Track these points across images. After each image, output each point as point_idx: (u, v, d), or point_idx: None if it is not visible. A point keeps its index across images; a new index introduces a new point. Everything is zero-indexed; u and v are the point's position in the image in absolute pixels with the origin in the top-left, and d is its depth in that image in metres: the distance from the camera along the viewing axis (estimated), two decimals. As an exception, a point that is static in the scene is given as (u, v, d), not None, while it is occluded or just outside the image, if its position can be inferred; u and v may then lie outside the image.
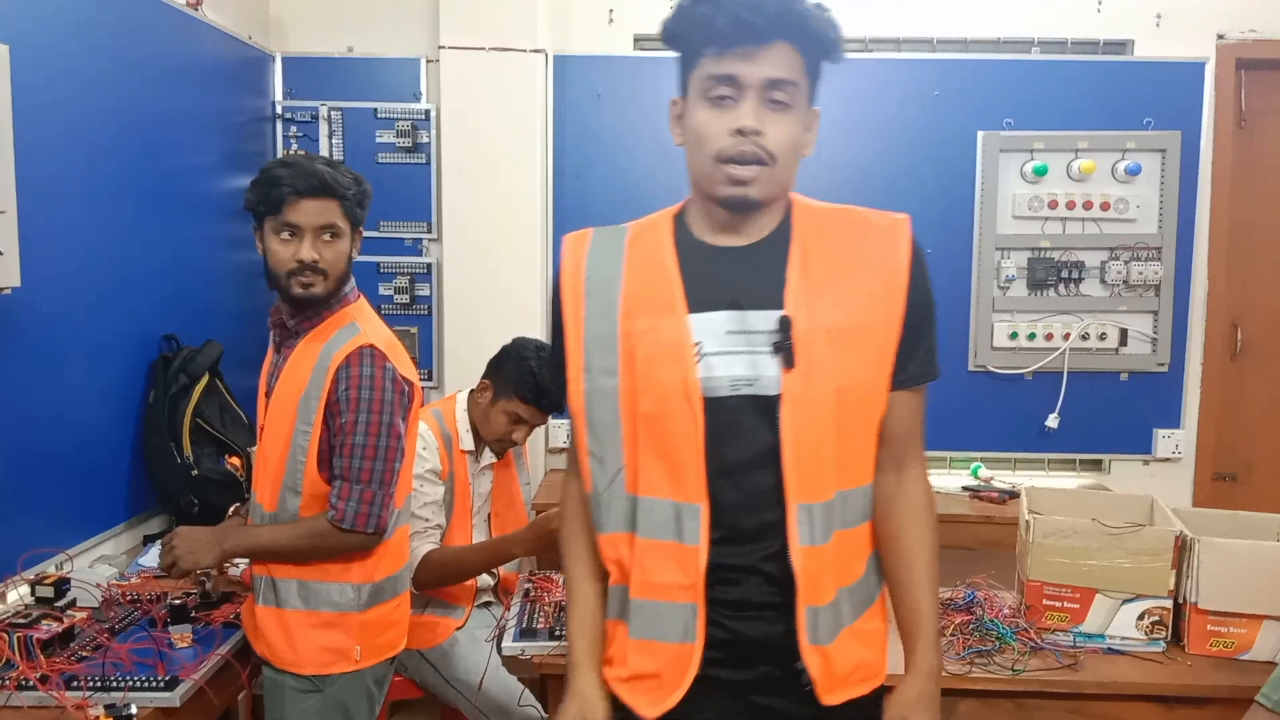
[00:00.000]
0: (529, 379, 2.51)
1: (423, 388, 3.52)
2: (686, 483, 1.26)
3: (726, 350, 1.26)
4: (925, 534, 1.38)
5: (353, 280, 1.98)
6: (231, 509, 2.41)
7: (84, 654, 1.86)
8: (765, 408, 1.26)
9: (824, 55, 1.28)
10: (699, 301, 1.28)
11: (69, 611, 2.02)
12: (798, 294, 1.27)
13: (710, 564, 1.27)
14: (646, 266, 1.33)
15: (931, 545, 1.39)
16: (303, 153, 1.93)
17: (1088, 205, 3.45)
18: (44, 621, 1.92)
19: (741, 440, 1.26)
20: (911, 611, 1.37)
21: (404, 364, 1.93)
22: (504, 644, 2.16)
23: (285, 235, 1.85)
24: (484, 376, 2.62)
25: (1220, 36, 3.51)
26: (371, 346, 1.85)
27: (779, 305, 1.27)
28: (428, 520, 2.43)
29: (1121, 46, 3.56)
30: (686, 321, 1.27)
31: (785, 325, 1.25)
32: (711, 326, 1.27)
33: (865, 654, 1.34)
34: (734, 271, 1.30)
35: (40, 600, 2.03)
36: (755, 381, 1.26)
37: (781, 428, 1.25)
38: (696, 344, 1.26)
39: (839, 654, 1.30)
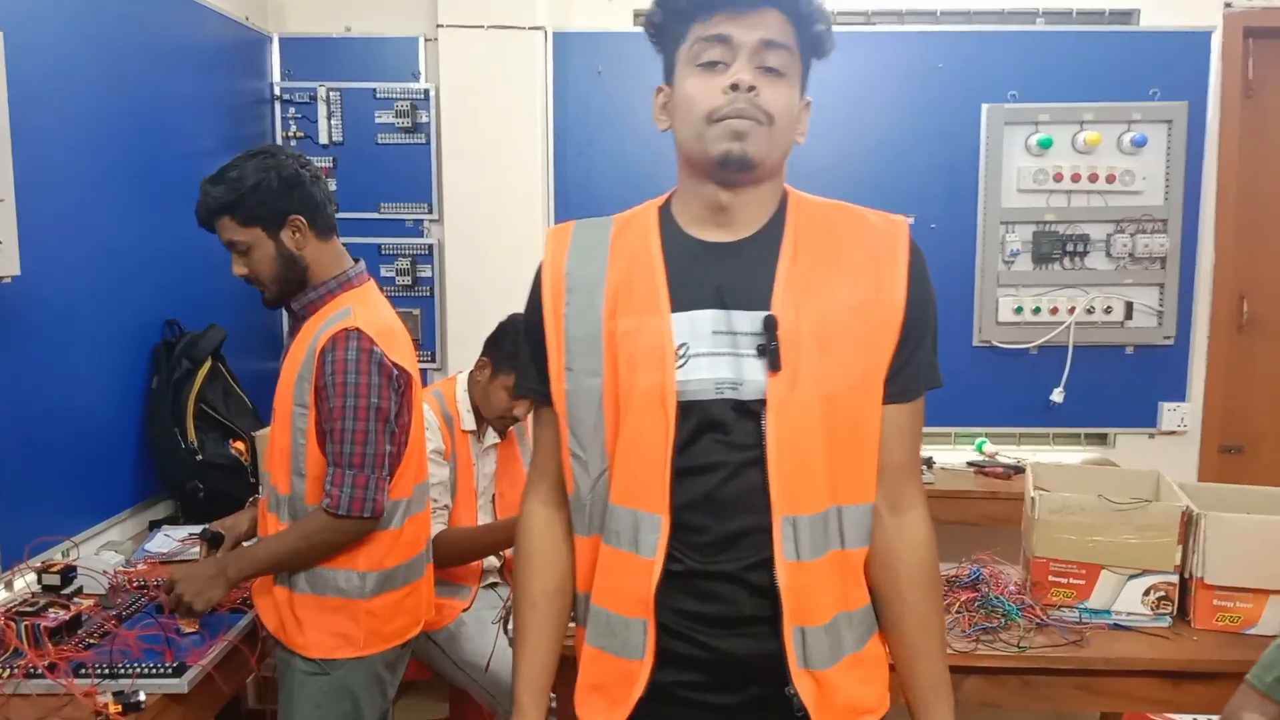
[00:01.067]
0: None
1: (426, 368, 3.54)
2: (649, 492, 1.20)
3: (711, 351, 1.20)
4: (935, 597, 1.29)
5: (357, 265, 1.98)
6: (250, 500, 2.41)
7: (92, 641, 1.86)
8: (749, 413, 1.19)
9: (815, 46, 1.23)
10: (684, 299, 1.21)
11: (76, 599, 2.02)
12: (786, 294, 1.20)
13: (683, 573, 1.20)
14: (631, 262, 1.26)
15: (940, 605, 1.31)
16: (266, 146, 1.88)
17: (1093, 178, 3.42)
18: (51, 609, 1.92)
19: (724, 446, 1.19)
20: (923, 681, 1.28)
21: (397, 348, 1.91)
22: (510, 625, 2.16)
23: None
24: (482, 354, 2.61)
25: (1227, 5, 3.46)
26: (356, 329, 1.82)
27: (765, 305, 1.20)
28: (435, 501, 2.43)
29: (1127, 16, 3.52)
30: (669, 322, 1.21)
31: (770, 326, 1.18)
32: (697, 326, 1.20)
33: (867, 686, 1.26)
34: (721, 268, 1.23)
35: (47, 588, 2.03)
36: (739, 385, 1.19)
37: (766, 434, 1.18)
38: (681, 345, 1.20)
39: (837, 682, 1.22)
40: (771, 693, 1.22)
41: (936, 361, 1.29)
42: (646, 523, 1.20)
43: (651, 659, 1.22)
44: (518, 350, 2.47)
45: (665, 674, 1.23)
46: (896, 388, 1.24)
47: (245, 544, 2.30)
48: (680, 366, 1.20)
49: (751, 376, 1.19)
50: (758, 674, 1.22)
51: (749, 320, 1.20)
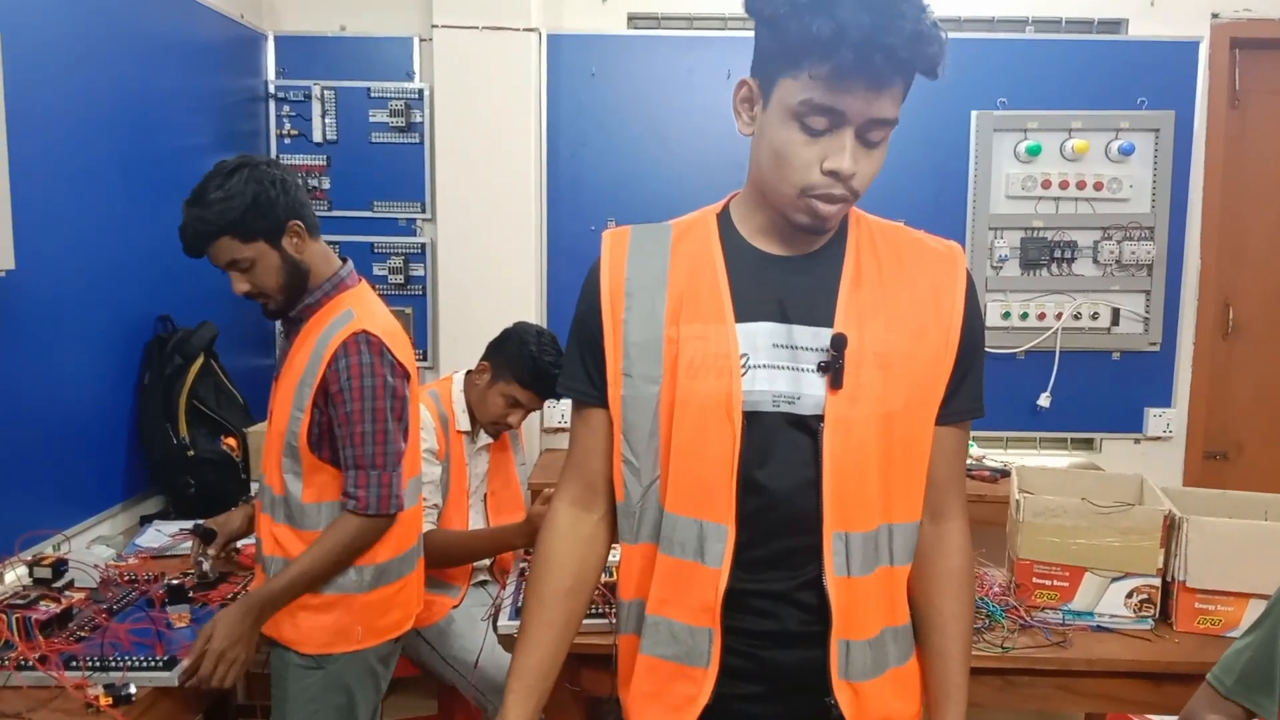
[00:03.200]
0: (529, 363, 2.52)
1: (418, 368, 3.55)
2: (715, 501, 1.19)
3: (772, 364, 1.19)
4: (964, 603, 1.31)
5: (346, 265, 1.97)
6: (244, 498, 2.42)
7: (82, 634, 1.87)
8: (805, 428, 1.19)
9: (925, 72, 1.15)
10: (746, 310, 1.21)
11: (67, 592, 2.03)
12: (849, 313, 1.20)
13: (737, 590, 1.20)
14: (693, 269, 1.24)
15: (969, 614, 1.32)
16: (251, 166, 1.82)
17: (1081, 185, 3.45)
18: (42, 602, 1.93)
19: (779, 460, 1.19)
20: (942, 683, 1.30)
21: (400, 349, 1.93)
22: (500, 623, 2.17)
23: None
24: (483, 358, 2.62)
25: (1215, 16, 3.50)
26: (366, 332, 1.84)
27: (829, 322, 1.19)
28: (426, 500, 2.44)
29: (1116, 26, 3.55)
30: (734, 331, 1.20)
31: (840, 344, 1.17)
32: (758, 337, 1.20)
33: (902, 700, 1.28)
34: (784, 281, 1.22)
35: (38, 581, 2.04)
36: (796, 399, 1.19)
37: (824, 450, 1.18)
38: (744, 355, 1.19)
39: (875, 693, 1.23)
40: (812, 701, 1.23)
41: (983, 392, 1.31)
42: (713, 532, 1.20)
43: (716, 668, 1.22)
44: (523, 360, 2.51)
45: (723, 685, 1.23)
46: (949, 410, 1.26)
47: (239, 542, 2.32)
48: (742, 377, 1.19)
49: (809, 391, 1.19)
50: (803, 684, 1.24)
51: (810, 335, 1.20)
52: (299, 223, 1.87)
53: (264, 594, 1.84)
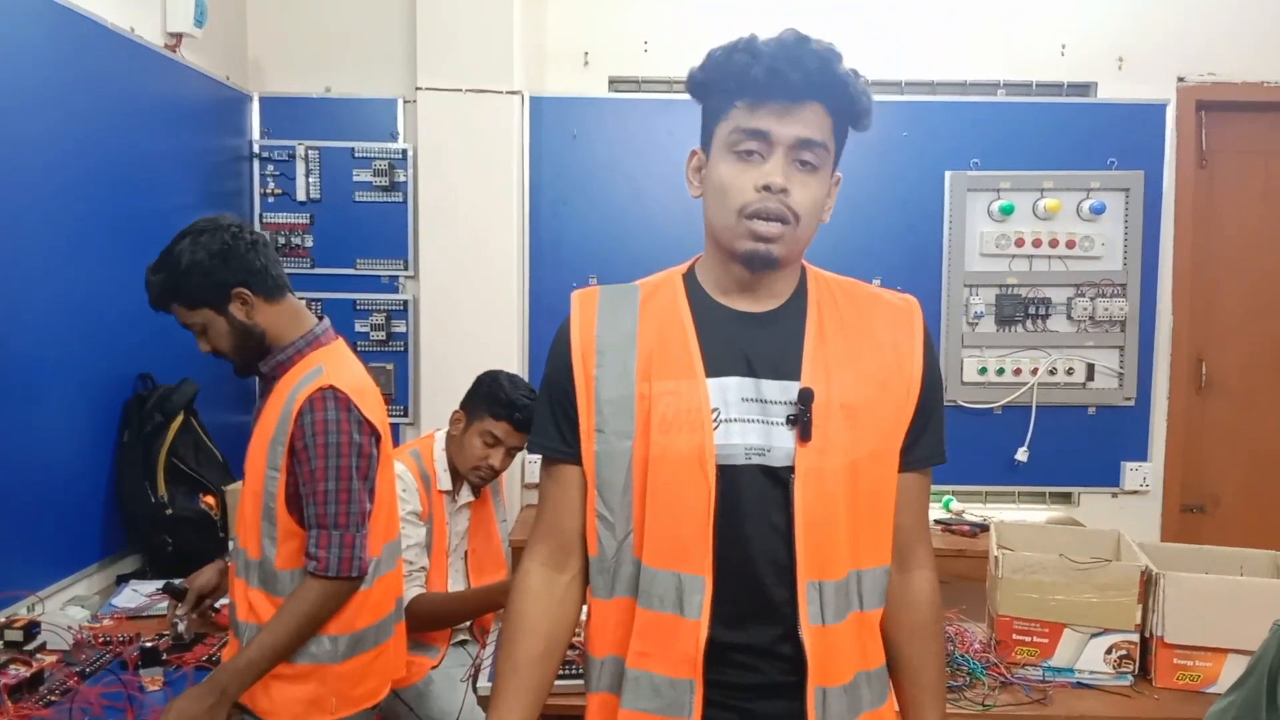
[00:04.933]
0: (501, 396, 2.54)
1: (399, 423, 3.55)
2: (692, 554, 1.21)
3: (743, 418, 1.23)
4: (933, 651, 1.35)
5: (321, 322, 1.96)
6: (223, 556, 2.39)
7: (52, 699, 1.84)
8: (776, 480, 1.22)
9: (853, 122, 1.26)
10: (715, 365, 1.25)
11: (38, 655, 2.00)
12: (815, 366, 1.25)
13: (718, 643, 1.22)
14: (663, 327, 1.28)
15: (939, 661, 1.36)
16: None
17: (1054, 243, 3.52)
18: (12, 666, 1.90)
19: (753, 511, 1.23)
20: None
21: (370, 407, 1.89)
22: (479, 683, 2.16)
23: None
24: (457, 410, 2.64)
25: (1180, 79, 3.61)
26: (332, 388, 1.81)
27: (795, 376, 1.24)
28: (411, 563, 2.42)
29: (1085, 89, 3.65)
30: (705, 386, 1.23)
31: (806, 398, 1.21)
32: (728, 392, 1.24)
33: None
34: (749, 337, 1.27)
35: (9, 644, 2.01)
36: (768, 451, 1.22)
37: (795, 501, 1.21)
38: (715, 410, 1.23)
39: None
40: None
41: (943, 439, 1.35)
42: (690, 584, 1.22)
43: (699, 718, 1.23)
44: (494, 395, 2.52)
45: None
46: (911, 458, 1.31)
47: (217, 602, 2.29)
48: (714, 430, 1.22)
49: (779, 444, 1.23)
50: None
51: (779, 389, 1.24)
52: (244, 290, 1.86)
53: (228, 672, 1.77)
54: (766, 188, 1.20)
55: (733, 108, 1.22)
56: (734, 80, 1.21)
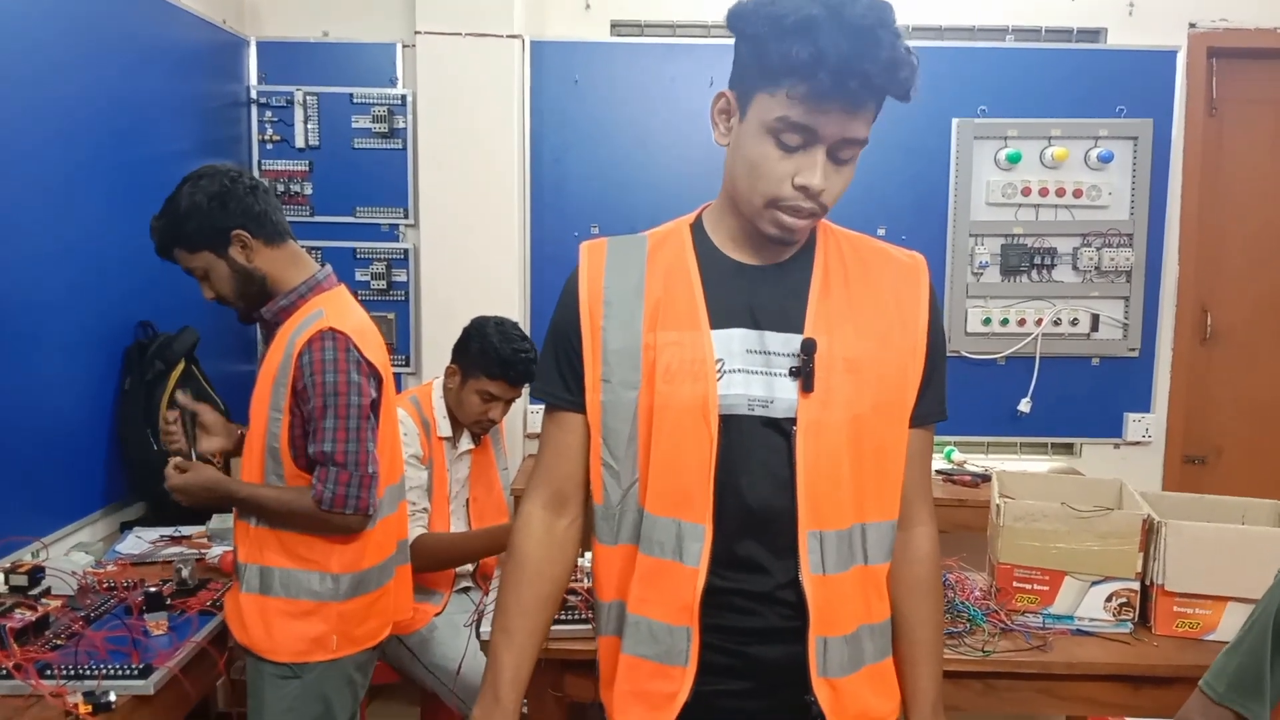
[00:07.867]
0: (492, 354, 2.54)
1: (400, 372, 3.54)
2: (693, 502, 1.23)
3: (746, 369, 1.24)
4: (930, 608, 1.36)
5: (324, 268, 1.98)
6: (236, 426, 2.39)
7: (58, 642, 1.85)
8: (779, 430, 1.23)
9: (898, 96, 1.20)
10: (720, 317, 1.25)
11: (43, 600, 2.01)
12: (819, 319, 1.25)
13: (718, 589, 1.24)
14: (669, 278, 1.28)
15: (937, 619, 1.37)
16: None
17: (1060, 192, 3.48)
18: (18, 610, 1.91)
19: (755, 461, 1.23)
20: (914, 690, 1.35)
21: (371, 348, 1.92)
22: (483, 629, 2.17)
23: None
24: (450, 362, 2.63)
25: (1192, 25, 3.54)
26: (332, 329, 1.84)
27: (799, 329, 1.24)
28: (414, 504, 2.44)
29: (1095, 35, 3.58)
30: (709, 337, 1.24)
31: (809, 349, 1.22)
32: (732, 343, 1.24)
33: (880, 698, 1.32)
34: (755, 289, 1.27)
35: (14, 589, 2.02)
36: (770, 403, 1.23)
37: (797, 452, 1.22)
38: (719, 361, 1.23)
39: (853, 690, 1.27)
40: (794, 697, 1.26)
41: (945, 396, 1.36)
42: (690, 532, 1.23)
43: (695, 666, 1.25)
44: (485, 353, 2.51)
45: (704, 682, 1.26)
46: (915, 414, 1.31)
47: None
48: (718, 381, 1.23)
49: (782, 395, 1.23)
50: (785, 680, 1.26)
51: (782, 341, 1.24)
52: (243, 232, 1.88)
53: (229, 486, 1.91)
54: (804, 189, 1.18)
55: (782, 90, 1.14)
56: (791, 67, 1.12)
